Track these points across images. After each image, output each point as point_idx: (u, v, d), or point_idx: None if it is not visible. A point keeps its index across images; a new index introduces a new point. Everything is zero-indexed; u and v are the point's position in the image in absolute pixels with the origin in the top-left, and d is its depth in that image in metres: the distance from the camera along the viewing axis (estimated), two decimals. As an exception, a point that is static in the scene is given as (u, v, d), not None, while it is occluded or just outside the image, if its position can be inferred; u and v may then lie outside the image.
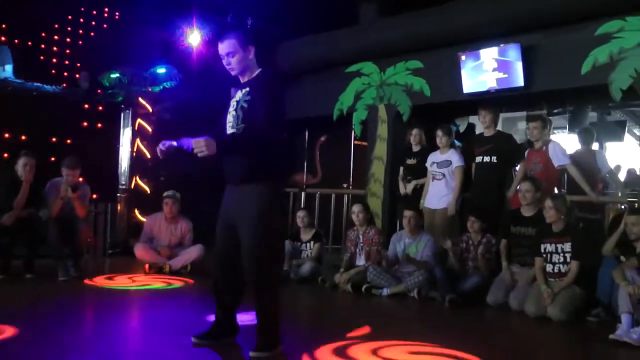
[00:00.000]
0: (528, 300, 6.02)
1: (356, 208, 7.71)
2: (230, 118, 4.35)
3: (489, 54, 8.11)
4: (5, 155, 8.72)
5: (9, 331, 4.64)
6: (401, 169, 8.46)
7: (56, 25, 11.16)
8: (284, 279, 7.59)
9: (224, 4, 11.02)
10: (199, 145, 3.88)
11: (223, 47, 4.28)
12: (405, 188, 8.28)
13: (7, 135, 9.03)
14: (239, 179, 4.25)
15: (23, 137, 9.12)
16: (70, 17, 11.37)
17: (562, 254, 6.03)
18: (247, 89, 4.29)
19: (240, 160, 4.20)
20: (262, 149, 4.11)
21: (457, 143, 8.51)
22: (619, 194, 8.82)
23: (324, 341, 4.58)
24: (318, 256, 8.04)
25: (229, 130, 4.31)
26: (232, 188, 4.34)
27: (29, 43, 10.41)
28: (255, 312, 4.22)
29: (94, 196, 8.54)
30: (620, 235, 5.89)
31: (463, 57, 8.38)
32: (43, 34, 10.94)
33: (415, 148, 8.32)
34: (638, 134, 13.48)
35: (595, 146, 8.45)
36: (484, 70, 8.18)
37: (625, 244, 5.82)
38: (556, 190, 7.22)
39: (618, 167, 9.08)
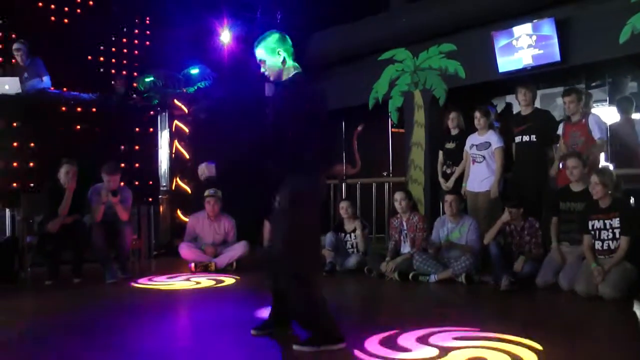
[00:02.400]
0: (578, 280, 5.90)
1: (398, 196, 7.65)
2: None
3: (523, 31, 7.97)
4: (48, 164, 8.81)
5: (61, 335, 4.69)
6: (440, 153, 8.38)
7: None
8: (329, 271, 7.60)
9: (253, 0, 11.03)
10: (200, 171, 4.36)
11: (257, 54, 4.36)
12: (447, 182, 8.16)
13: (47, 144, 9.14)
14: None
15: (63, 146, 9.21)
16: (101, 25, 11.50)
17: (610, 230, 5.90)
18: (281, 88, 4.35)
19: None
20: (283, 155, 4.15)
21: (495, 124, 8.39)
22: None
23: (373, 332, 4.53)
24: (364, 245, 8.01)
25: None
26: None
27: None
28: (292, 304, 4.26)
29: (136, 199, 8.61)
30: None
31: (496, 36, 8.26)
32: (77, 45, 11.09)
33: (454, 131, 8.22)
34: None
35: (637, 116, 8.26)
36: (519, 47, 8.04)
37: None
38: (602, 164, 7.06)
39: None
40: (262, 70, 4.37)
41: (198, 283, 7.25)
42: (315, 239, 4.36)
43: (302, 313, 4.21)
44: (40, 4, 10.70)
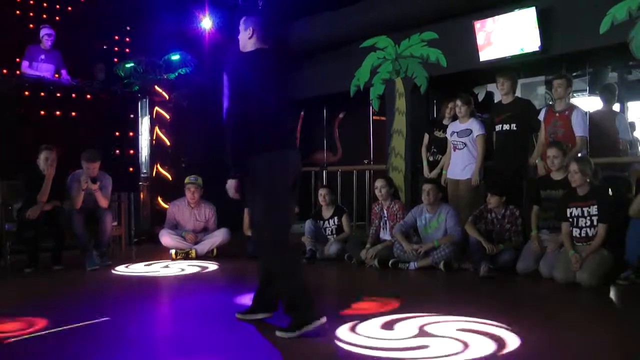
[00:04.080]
0: (556, 267, 5.96)
1: (379, 183, 7.68)
2: None
3: (504, 20, 7.99)
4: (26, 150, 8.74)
5: (40, 323, 4.67)
6: (426, 137, 8.40)
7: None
8: (309, 258, 7.62)
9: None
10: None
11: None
12: (430, 171, 8.19)
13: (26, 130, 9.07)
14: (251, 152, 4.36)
15: (42, 132, 9.13)
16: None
17: (588, 218, 5.96)
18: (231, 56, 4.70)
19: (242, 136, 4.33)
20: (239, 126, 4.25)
21: (479, 115, 8.40)
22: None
23: (350, 319, 4.57)
24: (350, 230, 8.06)
25: None
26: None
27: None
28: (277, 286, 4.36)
29: (116, 186, 8.56)
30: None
31: (478, 25, 8.27)
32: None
33: (447, 121, 8.21)
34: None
35: (616, 105, 8.33)
36: (500, 36, 8.06)
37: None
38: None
39: (633, 125, 8.97)
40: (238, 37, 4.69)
41: (179, 270, 7.25)
42: (284, 213, 4.38)
43: (285, 287, 4.28)
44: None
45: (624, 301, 5.45)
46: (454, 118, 8.11)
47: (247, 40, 4.56)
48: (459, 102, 7.66)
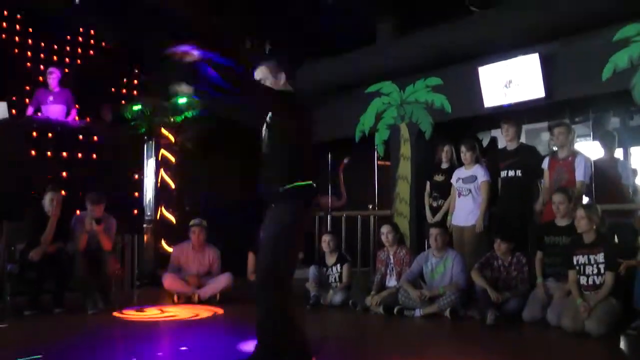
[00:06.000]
0: (565, 315, 5.87)
1: (385, 229, 7.63)
2: (263, 134, 4.52)
3: (508, 66, 8.05)
4: (32, 191, 8.74)
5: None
6: (428, 184, 8.38)
7: (78, 61, 11.33)
8: (314, 305, 7.55)
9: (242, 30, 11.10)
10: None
11: (256, 74, 4.55)
12: (434, 216, 8.16)
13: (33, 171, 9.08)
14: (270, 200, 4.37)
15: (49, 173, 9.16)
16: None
17: (595, 265, 5.90)
18: None
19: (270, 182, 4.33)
20: None
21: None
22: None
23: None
24: (349, 280, 7.94)
25: (263, 148, 4.46)
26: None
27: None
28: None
29: (120, 228, 8.53)
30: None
31: (482, 71, 8.32)
32: (66, 70, 11.08)
33: (445, 165, 8.23)
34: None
35: (619, 152, 8.34)
36: (504, 82, 8.11)
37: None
38: (585, 200, 7.11)
39: (635, 172, 8.96)
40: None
41: (181, 314, 7.19)
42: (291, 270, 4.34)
43: (267, 326, 4.22)
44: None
45: (635, 352, 5.37)
46: (452, 161, 8.13)
47: (278, 88, 4.49)
48: (463, 149, 7.67)
